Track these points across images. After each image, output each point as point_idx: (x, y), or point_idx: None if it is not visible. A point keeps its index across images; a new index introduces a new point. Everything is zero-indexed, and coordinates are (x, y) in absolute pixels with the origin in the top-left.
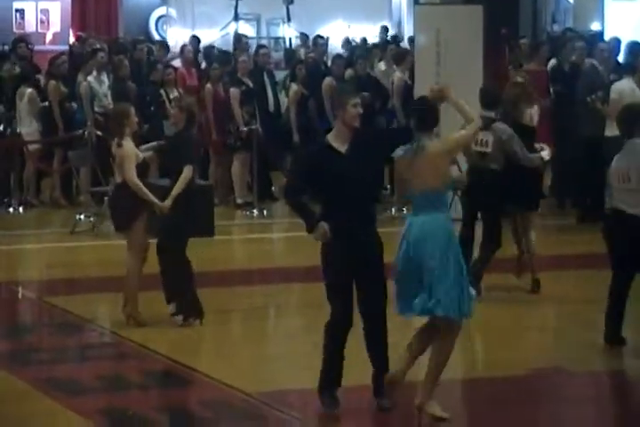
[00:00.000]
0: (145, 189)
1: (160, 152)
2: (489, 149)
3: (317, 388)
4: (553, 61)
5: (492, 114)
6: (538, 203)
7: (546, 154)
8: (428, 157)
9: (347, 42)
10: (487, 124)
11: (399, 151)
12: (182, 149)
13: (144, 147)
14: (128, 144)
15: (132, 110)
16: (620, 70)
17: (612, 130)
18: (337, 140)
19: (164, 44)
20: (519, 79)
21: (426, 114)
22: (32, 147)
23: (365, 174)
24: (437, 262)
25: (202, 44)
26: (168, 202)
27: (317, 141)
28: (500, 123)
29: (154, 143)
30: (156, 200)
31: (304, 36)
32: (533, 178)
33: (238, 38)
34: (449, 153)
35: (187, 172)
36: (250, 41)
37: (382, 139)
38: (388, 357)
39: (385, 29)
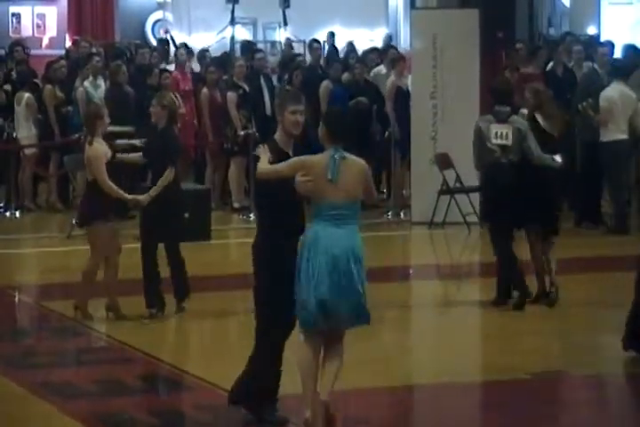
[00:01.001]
0: (115, 188)
1: (147, 152)
2: (509, 142)
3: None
4: (550, 65)
5: (507, 108)
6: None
7: (558, 158)
8: (353, 167)
9: (349, 45)
10: (504, 118)
11: (310, 157)
12: (166, 148)
13: (134, 155)
14: (98, 144)
15: (105, 111)
16: (613, 74)
17: (606, 136)
18: (282, 146)
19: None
20: (539, 87)
21: (341, 126)
22: (28, 151)
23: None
24: (362, 276)
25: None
26: (145, 197)
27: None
28: (516, 116)
29: (135, 143)
30: (128, 196)
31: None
32: (548, 192)
33: (246, 46)
34: (363, 173)
35: (167, 173)
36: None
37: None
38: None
39: (389, 37)
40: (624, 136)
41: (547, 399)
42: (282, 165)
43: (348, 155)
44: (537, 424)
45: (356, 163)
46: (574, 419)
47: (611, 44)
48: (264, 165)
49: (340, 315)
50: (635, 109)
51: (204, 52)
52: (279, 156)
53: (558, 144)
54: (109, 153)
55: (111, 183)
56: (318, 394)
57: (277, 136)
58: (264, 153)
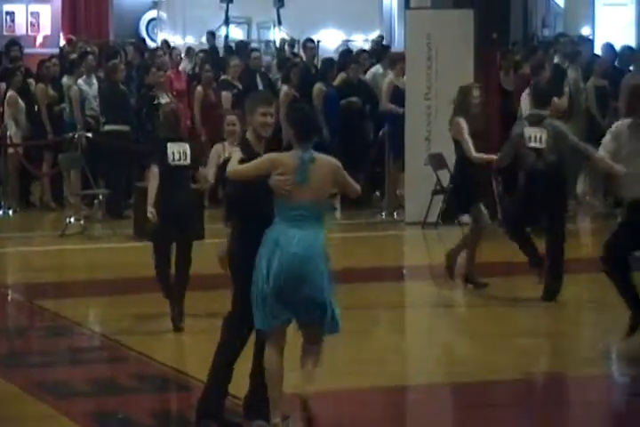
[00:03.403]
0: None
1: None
2: (543, 146)
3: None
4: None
5: (545, 112)
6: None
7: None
8: (323, 168)
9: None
10: (539, 121)
11: (277, 155)
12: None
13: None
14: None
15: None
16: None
17: None
18: (256, 147)
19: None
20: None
21: (308, 125)
22: (11, 150)
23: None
24: (323, 279)
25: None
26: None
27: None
28: (551, 119)
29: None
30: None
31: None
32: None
33: (242, 46)
34: (335, 173)
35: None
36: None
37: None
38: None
39: (381, 38)
40: None
41: (539, 400)
42: (249, 165)
43: (317, 155)
44: (529, 425)
45: (327, 163)
46: (567, 419)
47: (590, 42)
48: (233, 165)
49: (297, 304)
50: None
51: (189, 49)
52: (250, 156)
53: None
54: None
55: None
56: (286, 395)
57: (248, 135)
58: (234, 153)
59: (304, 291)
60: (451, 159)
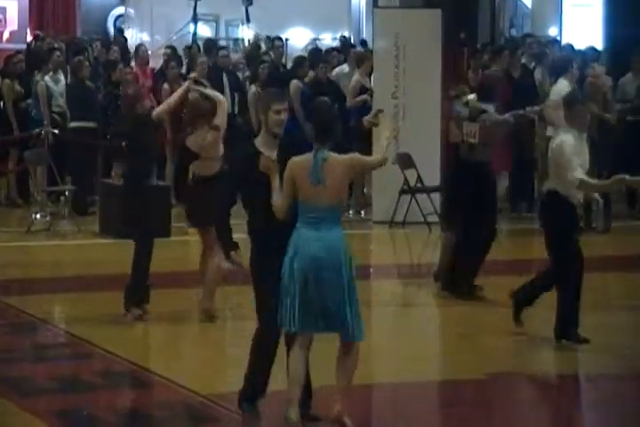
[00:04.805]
0: None
1: None
2: (476, 141)
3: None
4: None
5: (486, 105)
6: None
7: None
8: (337, 167)
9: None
10: (476, 116)
11: (295, 158)
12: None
13: None
14: None
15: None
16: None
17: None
18: (265, 147)
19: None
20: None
21: (323, 125)
22: None
23: None
24: (348, 285)
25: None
26: None
27: (246, 147)
28: (489, 114)
29: None
30: None
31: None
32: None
33: (210, 45)
34: (351, 168)
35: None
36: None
37: (304, 146)
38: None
39: (343, 38)
40: None
41: (502, 399)
42: (284, 192)
43: (331, 155)
44: (491, 424)
45: (340, 162)
46: (529, 418)
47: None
48: (276, 198)
49: (317, 310)
50: None
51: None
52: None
53: None
54: None
55: None
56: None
57: (261, 139)
58: (274, 175)
59: (323, 299)
60: (418, 159)
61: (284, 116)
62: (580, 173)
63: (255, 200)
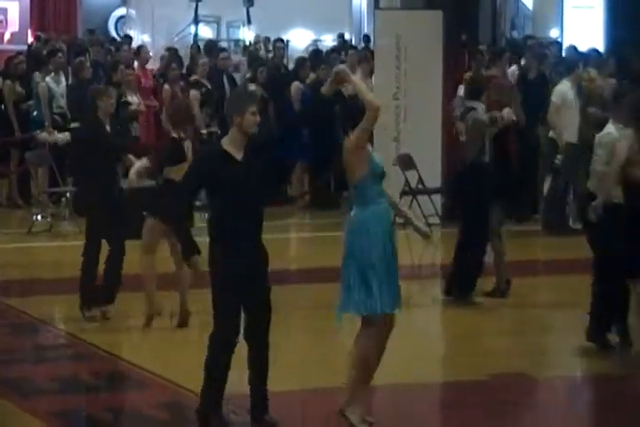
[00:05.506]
0: None
1: None
2: (464, 139)
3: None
4: (514, 68)
5: (475, 103)
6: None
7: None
8: (347, 152)
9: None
10: (465, 114)
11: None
12: None
13: None
14: None
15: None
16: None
17: (567, 136)
18: (232, 146)
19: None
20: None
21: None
22: None
23: (260, 183)
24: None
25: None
26: None
27: (210, 146)
28: (475, 112)
29: None
30: None
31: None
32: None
33: (211, 46)
34: (355, 148)
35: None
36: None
37: (269, 145)
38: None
39: (340, 36)
40: None
41: (504, 401)
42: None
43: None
44: (492, 425)
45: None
46: (529, 420)
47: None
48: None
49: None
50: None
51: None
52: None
53: None
54: None
55: None
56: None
57: (230, 137)
58: (350, 78)
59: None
60: (419, 160)
61: (258, 117)
62: None
63: (219, 199)
